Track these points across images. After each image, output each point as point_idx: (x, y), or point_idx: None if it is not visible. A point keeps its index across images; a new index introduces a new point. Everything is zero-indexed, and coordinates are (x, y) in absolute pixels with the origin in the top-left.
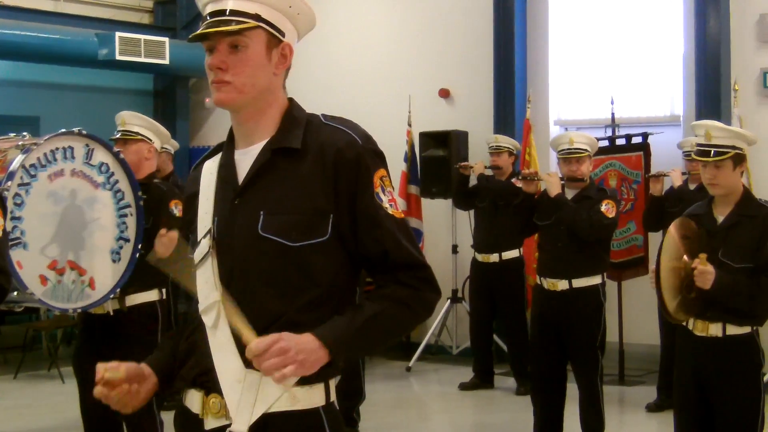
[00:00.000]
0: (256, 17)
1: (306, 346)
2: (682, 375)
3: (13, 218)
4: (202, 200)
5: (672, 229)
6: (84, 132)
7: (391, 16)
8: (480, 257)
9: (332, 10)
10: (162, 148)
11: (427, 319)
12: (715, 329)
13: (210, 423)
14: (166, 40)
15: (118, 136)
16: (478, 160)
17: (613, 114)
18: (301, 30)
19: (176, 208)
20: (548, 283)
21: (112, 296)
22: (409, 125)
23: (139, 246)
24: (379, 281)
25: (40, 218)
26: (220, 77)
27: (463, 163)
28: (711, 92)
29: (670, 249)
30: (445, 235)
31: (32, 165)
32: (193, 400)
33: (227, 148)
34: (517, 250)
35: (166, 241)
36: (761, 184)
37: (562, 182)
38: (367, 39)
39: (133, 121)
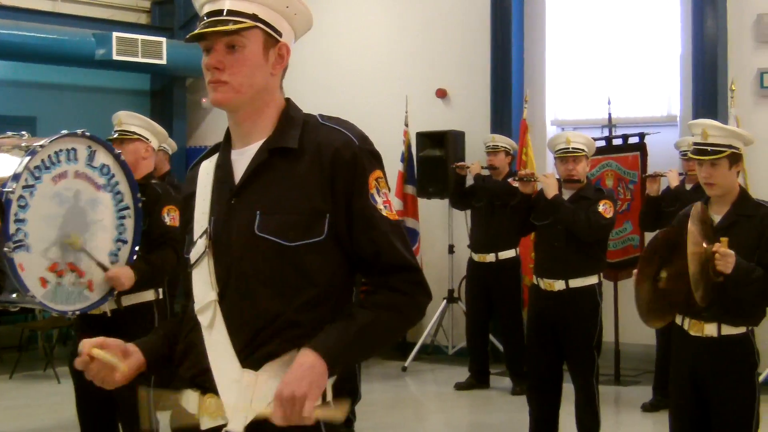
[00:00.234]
0: (254, 17)
1: (303, 373)
2: (677, 375)
3: (17, 220)
4: (199, 200)
5: (690, 222)
6: (87, 133)
7: (388, 16)
8: (476, 257)
9: (329, 10)
10: (159, 147)
11: (423, 319)
12: (710, 329)
13: (206, 423)
14: (163, 40)
15: (115, 135)
16: (474, 161)
17: (609, 114)
18: (298, 30)
19: (168, 216)
20: (545, 284)
21: (110, 297)
22: (406, 125)
23: (136, 248)
24: (372, 285)
25: (44, 220)
26: (217, 77)
27: (459, 163)
28: (708, 92)
29: (692, 240)
30: (442, 235)
31: (36, 167)
32: (190, 399)
33: (224, 148)
34: (514, 250)
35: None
36: (758, 185)
37: (559, 183)
38: (364, 39)
39: (130, 120)
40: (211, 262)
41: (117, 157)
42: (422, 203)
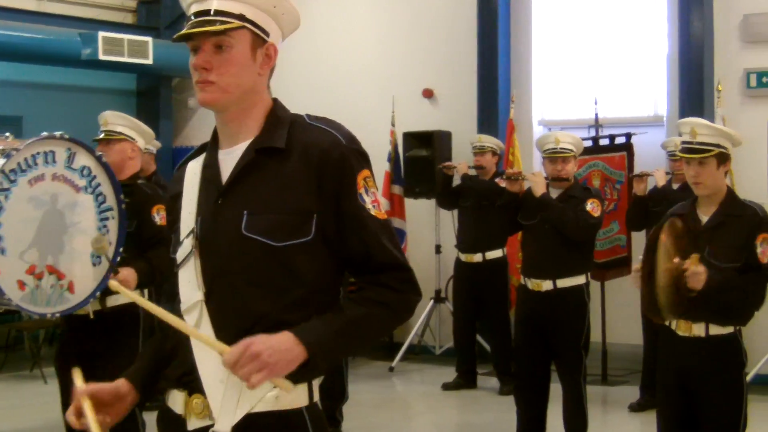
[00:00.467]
0: (241, 17)
1: (280, 347)
2: (665, 375)
3: None
4: (186, 200)
5: (663, 233)
6: (66, 136)
7: (375, 16)
8: (464, 257)
9: (317, 10)
10: (145, 148)
11: (410, 319)
12: (698, 329)
13: (193, 423)
14: (149, 39)
15: (101, 136)
16: (461, 160)
17: (596, 114)
18: (285, 30)
19: (158, 215)
20: (533, 284)
21: (92, 299)
22: (393, 125)
23: (121, 249)
24: (362, 283)
25: (20, 223)
26: (205, 77)
27: (446, 163)
28: (694, 93)
29: (663, 252)
30: (429, 235)
31: (12, 170)
32: (176, 400)
33: (211, 148)
34: (501, 250)
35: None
36: (744, 185)
37: (547, 182)
38: (351, 39)
39: (116, 120)
40: (197, 262)
41: (98, 159)
42: (409, 203)
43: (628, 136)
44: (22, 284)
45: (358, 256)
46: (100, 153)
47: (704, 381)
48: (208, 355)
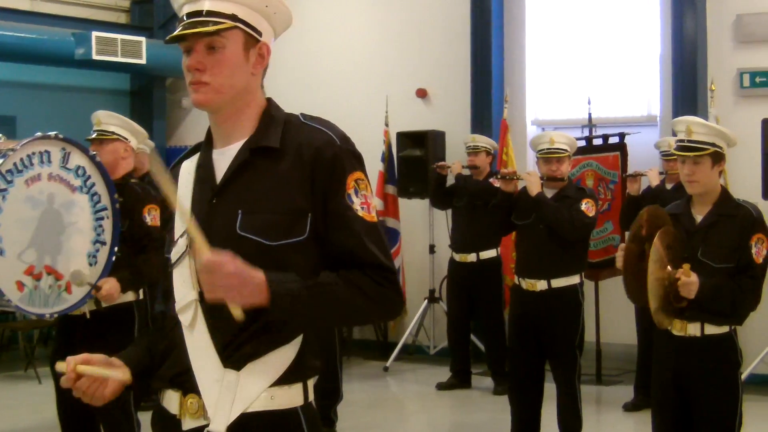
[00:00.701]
0: (233, 17)
1: (250, 282)
2: (660, 374)
3: None
4: (180, 200)
5: (656, 239)
6: (60, 136)
7: (368, 16)
8: (457, 257)
9: (310, 9)
10: (138, 147)
11: (404, 319)
12: (693, 329)
13: (188, 423)
14: (143, 39)
15: (94, 135)
16: (455, 160)
17: (590, 114)
18: (277, 29)
19: (149, 215)
20: (527, 284)
21: (89, 299)
22: (387, 125)
23: (115, 249)
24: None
25: (18, 224)
26: (198, 78)
27: (440, 163)
28: (687, 92)
29: (656, 259)
30: (423, 234)
31: (8, 170)
32: (171, 400)
33: (205, 148)
34: (495, 250)
35: (104, 294)
36: (738, 185)
37: (542, 181)
38: (344, 39)
39: (109, 120)
40: (192, 262)
41: (92, 159)
42: (403, 203)
43: (622, 135)
44: (20, 285)
45: (341, 255)
46: (94, 152)
47: (699, 381)
48: (203, 355)
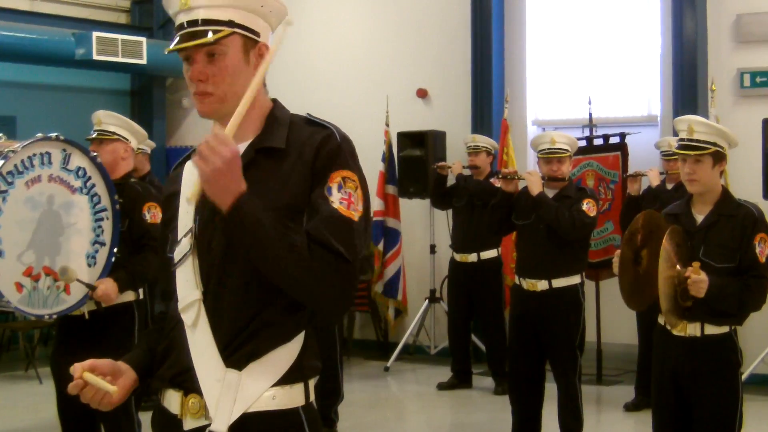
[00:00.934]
0: (230, 23)
1: (229, 182)
2: (660, 374)
3: None
4: (183, 200)
5: (665, 239)
6: (61, 137)
7: (368, 15)
8: (458, 257)
9: (309, 9)
10: (138, 148)
11: (405, 319)
12: (693, 329)
13: (189, 423)
14: (143, 39)
15: (94, 135)
16: (455, 160)
17: (590, 114)
18: (273, 24)
19: (148, 213)
20: (527, 284)
21: (88, 299)
22: (387, 125)
23: (115, 249)
24: None
25: (17, 225)
26: (203, 89)
27: (441, 163)
28: (688, 92)
29: (665, 258)
30: (423, 235)
31: (9, 172)
32: (172, 400)
33: None
34: (495, 250)
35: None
36: (738, 185)
37: (543, 181)
38: (344, 39)
39: (109, 120)
40: (195, 262)
41: (93, 159)
42: (403, 203)
43: (622, 135)
44: (19, 286)
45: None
46: (94, 153)
47: (700, 381)
48: (205, 355)
